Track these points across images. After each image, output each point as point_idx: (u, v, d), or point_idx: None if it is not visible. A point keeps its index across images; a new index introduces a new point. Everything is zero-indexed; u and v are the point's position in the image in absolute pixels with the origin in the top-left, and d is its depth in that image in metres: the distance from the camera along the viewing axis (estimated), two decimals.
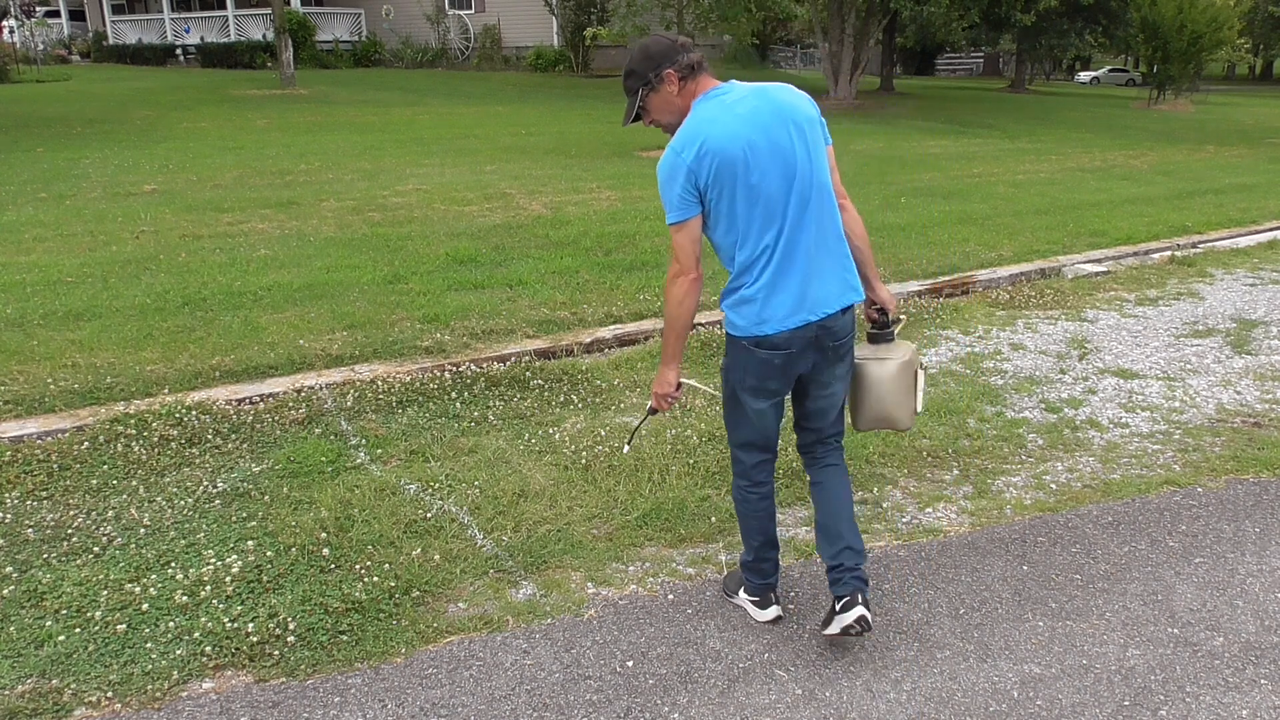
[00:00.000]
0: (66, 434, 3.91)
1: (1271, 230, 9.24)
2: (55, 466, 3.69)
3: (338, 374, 4.62)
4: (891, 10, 24.24)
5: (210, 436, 3.97)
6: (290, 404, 4.29)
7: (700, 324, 5.44)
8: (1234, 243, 8.69)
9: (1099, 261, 7.63)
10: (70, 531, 3.27)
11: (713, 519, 3.45)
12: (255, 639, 2.72)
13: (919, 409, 2.87)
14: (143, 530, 3.29)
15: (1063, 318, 6.19)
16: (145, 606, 2.85)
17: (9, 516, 3.36)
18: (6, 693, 2.51)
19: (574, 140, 14.13)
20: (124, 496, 3.52)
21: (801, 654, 2.76)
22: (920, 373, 2.85)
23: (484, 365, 4.80)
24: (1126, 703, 2.56)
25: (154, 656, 2.66)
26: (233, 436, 4.00)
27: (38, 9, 31.56)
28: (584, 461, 3.83)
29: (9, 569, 3.04)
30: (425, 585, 3.02)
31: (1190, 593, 3.08)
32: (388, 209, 8.61)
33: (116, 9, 33.90)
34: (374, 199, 9.09)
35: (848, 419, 2.89)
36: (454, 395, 4.47)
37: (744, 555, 2.91)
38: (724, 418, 2.82)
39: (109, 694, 2.53)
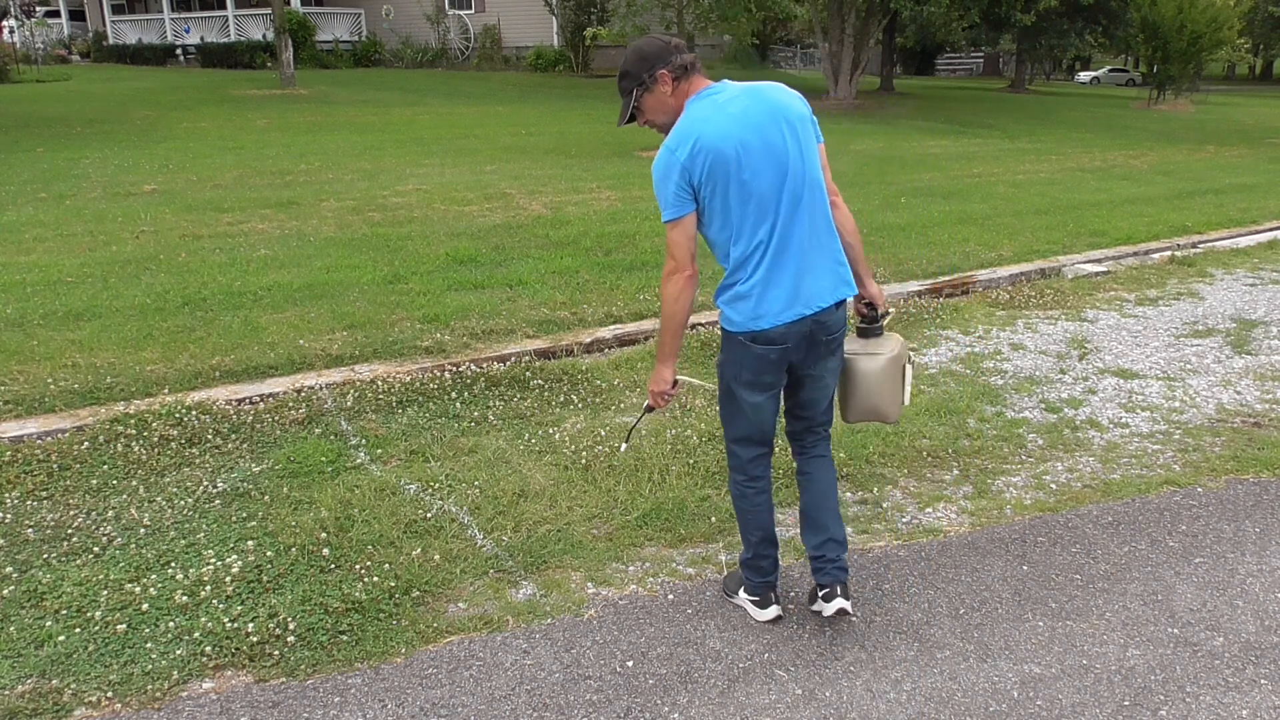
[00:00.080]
0: (66, 434, 3.91)
1: (1271, 230, 9.24)
2: (55, 466, 3.69)
3: (338, 374, 4.62)
4: (891, 10, 24.24)
5: (210, 436, 3.97)
6: (290, 404, 4.29)
7: (700, 324, 5.44)
8: (1234, 243, 8.69)
9: (1099, 261, 7.63)
10: (70, 531, 3.27)
11: (713, 519, 3.45)
12: (255, 639, 2.72)
13: (906, 402, 2.91)
14: (143, 530, 3.29)
15: (1063, 318, 6.19)
16: (145, 606, 2.85)
17: (9, 516, 3.36)
18: (6, 693, 2.51)
19: (574, 140, 14.13)
20: (124, 496, 3.53)
21: (801, 654, 2.76)
22: (908, 366, 2.89)
23: (484, 365, 4.80)
24: (1126, 703, 2.56)
25: (154, 656, 2.66)
26: (233, 436, 4.00)
27: (38, 9, 31.55)
28: (584, 461, 3.83)
29: (9, 569, 3.04)
30: (425, 585, 3.02)
31: (1190, 593, 3.08)
32: (388, 209, 8.61)
33: (116, 9, 33.90)
34: (374, 199, 9.09)
35: (836, 410, 2.93)
36: (454, 395, 4.47)
37: (743, 553, 2.92)
38: (720, 413, 2.84)
39: (109, 694, 2.53)
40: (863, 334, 2.87)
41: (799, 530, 2.95)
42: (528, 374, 4.71)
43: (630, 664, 2.71)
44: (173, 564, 3.08)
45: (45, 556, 3.13)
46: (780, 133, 2.50)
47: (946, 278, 6.84)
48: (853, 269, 2.73)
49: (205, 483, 3.63)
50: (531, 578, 3.11)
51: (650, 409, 2.89)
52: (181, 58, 30.95)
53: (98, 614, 2.81)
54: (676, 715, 2.50)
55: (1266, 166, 14.34)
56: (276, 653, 2.69)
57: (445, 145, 13.32)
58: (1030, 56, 37.07)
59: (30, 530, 3.27)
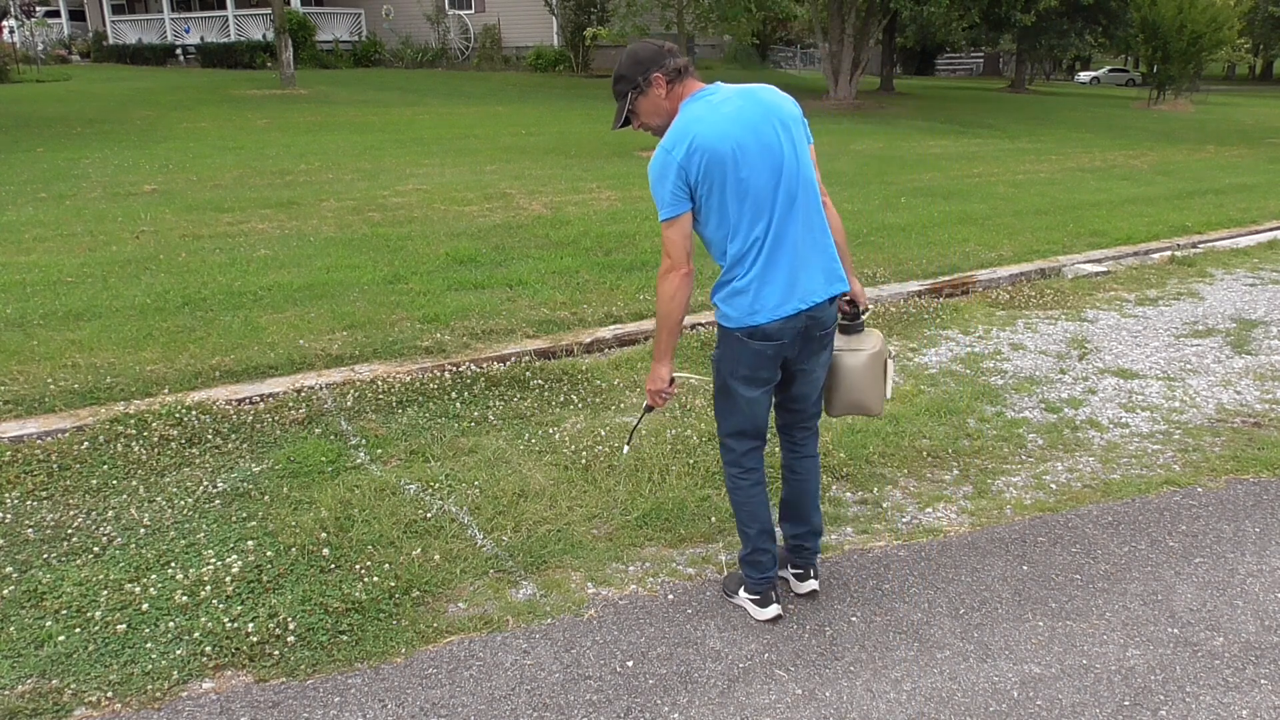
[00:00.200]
0: (66, 434, 3.91)
1: (1271, 230, 9.24)
2: (55, 466, 3.69)
3: (338, 374, 4.62)
4: (891, 10, 24.23)
5: (210, 436, 3.97)
6: (290, 404, 4.29)
7: (700, 323, 5.44)
8: (1234, 243, 8.69)
9: (1099, 261, 7.63)
10: (70, 531, 3.27)
11: (713, 519, 3.45)
12: (255, 639, 2.72)
13: (888, 395, 2.99)
14: (143, 530, 3.29)
15: (1063, 318, 6.19)
16: (145, 606, 2.85)
17: (9, 516, 3.36)
18: (6, 693, 2.51)
19: (574, 140, 14.13)
20: (124, 496, 3.53)
21: (801, 654, 2.76)
22: (889, 361, 2.96)
23: (484, 365, 4.80)
24: (1126, 703, 2.56)
25: (154, 656, 2.66)
26: (233, 436, 4.00)
27: (38, 9, 31.56)
28: (584, 461, 3.83)
29: (9, 569, 3.04)
30: (425, 585, 3.02)
31: (1190, 593, 3.08)
32: (388, 209, 8.61)
33: (116, 9, 33.90)
34: (374, 199, 9.09)
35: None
36: (454, 395, 4.47)
37: (742, 551, 2.93)
38: (715, 409, 2.88)
39: (109, 694, 2.53)
40: (845, 330, 2.92)
41: (778, 518, 3.04)
42: (528, 374, 4.71)
43: (630, 664, 2.71)
44: (173, 564, 3.08)
45: (45, 556, 3.13)
46: (774, 132, 2.55)
47: (946, 278, 6.84)
48: None
49: (205, 483, 3.63)
50: (531, 578, 3.11)
51: (649, 409, 2.91)
52: (181, 58, 30.96)
53: (98, 614, 2.81)
54: (676, 715, 2.50)
55: (1266, 166, 14.34)
56: (276, 653, 2.69)
57: (445, 145, 13.32)
58: (1030, 56, 37.08)
59: (30, 530, 3.27)
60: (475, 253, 6.96)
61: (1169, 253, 8.07)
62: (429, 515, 3.42)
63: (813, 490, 2.97)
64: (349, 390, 4.43)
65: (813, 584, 3.00)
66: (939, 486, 3.80)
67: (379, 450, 3.94)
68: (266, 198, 9.04)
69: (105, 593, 2.91)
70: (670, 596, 3.04)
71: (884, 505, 3.65)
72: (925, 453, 4.05)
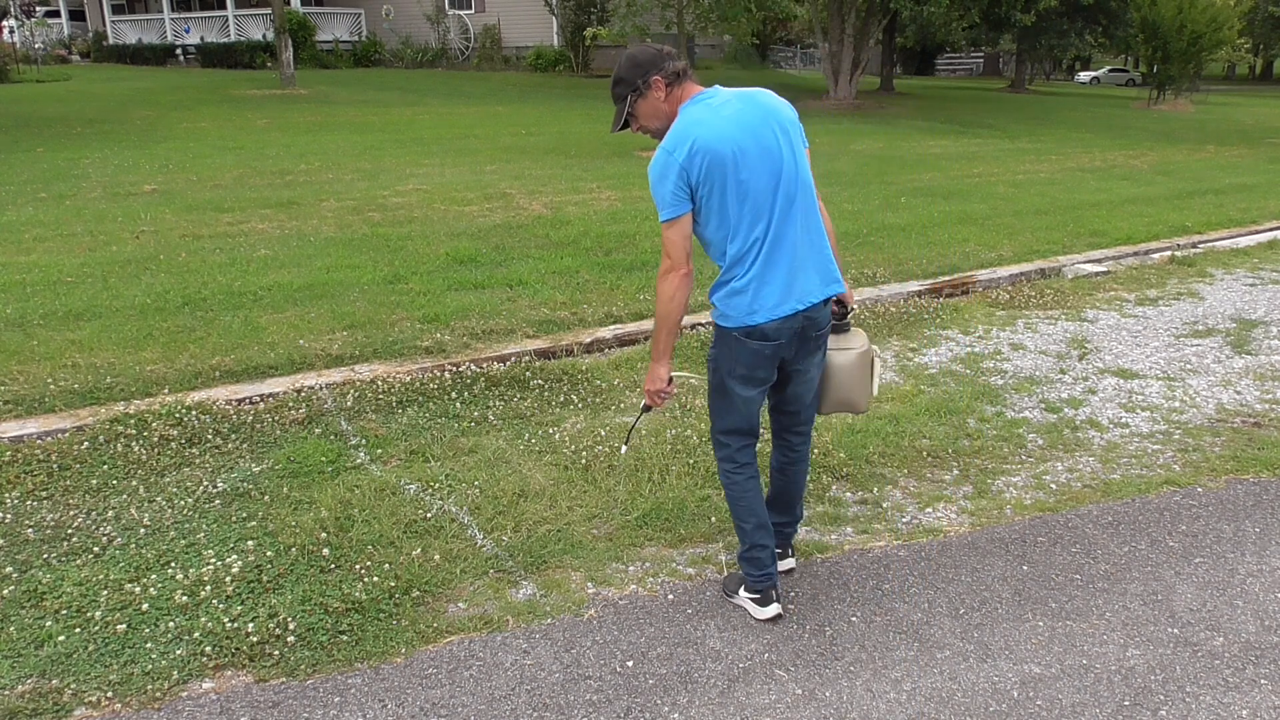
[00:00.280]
0: (66, 434, 3.91)
1: (1271, 230, 9.24)
2: (55, 466, 3.69)
3: (338, 374, 4.62)
4: (891, 10, 24.22)
5: (210, 436, 3.97)
6: (290, 404, 4.29)
7: (700, 324, 5.44)
8: (1234, 243, 8.69)
9: (1099, 261, 7.63)
10: (70, 531, 3.27)
11: (713, 519, 3.45)
12: (255, 639, 2.72)
13: (874, 393, 3.05)
14: (143, 530, 3.29)
15: (1063, 318, 6.19)
16: (145, 606, 2.85)
17: (9, 516, 3.36)
18: (6, 693, 2.51)
19: (574, 140, 14.13)
20: (124, 496, 3.53)
21: (801, 654, 2.76)
22: (875, 360, 3.01)
23: (484, 365, 4.80)
24: (1126, 703, 2.56)
25: (154, 656, 2.66)
26: (233, 436, 4.00)
27: (38, 9, 31.55)
28: (584, 461, 3.83)
29: (9, 569, 3.04)
30: (425, 585, 3.02)
31: (1190, 593, 3.08)
32: (388, 209, 8.61)
33: (116, 9, 33.90)
34: (374, 199, 9.09)
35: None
36: (454, 395, 4.47)
37: (740, 549, 2.94)
38: (709, 406, 2.91)
39: (109, 694, 2.53)
40: (833, 330, 2.94)
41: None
42: (528, 374, 4.71)
43: (630, 664, 2.71)
44: (173, 564, 3.08)
45: (45, 556, 3.13)
46: (774, 135, 2.59)
47: (946, 278, 6.84)
48: None
49: (205, 483, 3.63)
50: (531, 578, 3.11)
51: (647, 409, 2.92)
52: (181, 58, 30.95)
53: (98, 614, 2.81)
54: (676, 715, 2.50)
55: (1266, 166, 14.34)
56: (276, 653, 2.69)
57: (445, 145, 13.32)
58: (1030, 56, 37.07)
59: (30, 530, 3.27)
60: (475, 253, 6.96)
61: (1169, 253, 8.07)
62: (429, 515, 3.42)
63: (800, 488, 3.07)
64: (349, 390, 4.43)
65: (790, 562, 3.15)
66: (939, 486, 3.80)
67: (379, 450, 3.94)
68: (266, 198, 9.04)
69: (105, 593, 2.91)
70: (670, 596, 3.04)
71: (884, 505, 3.65)
72: (925, 453, 4.05)
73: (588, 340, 5.25)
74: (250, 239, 7.32)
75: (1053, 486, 3.82)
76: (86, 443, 3.83)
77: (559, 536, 3.33)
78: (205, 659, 2.65)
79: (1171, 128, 21.42)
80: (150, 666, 2.62)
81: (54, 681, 2.56)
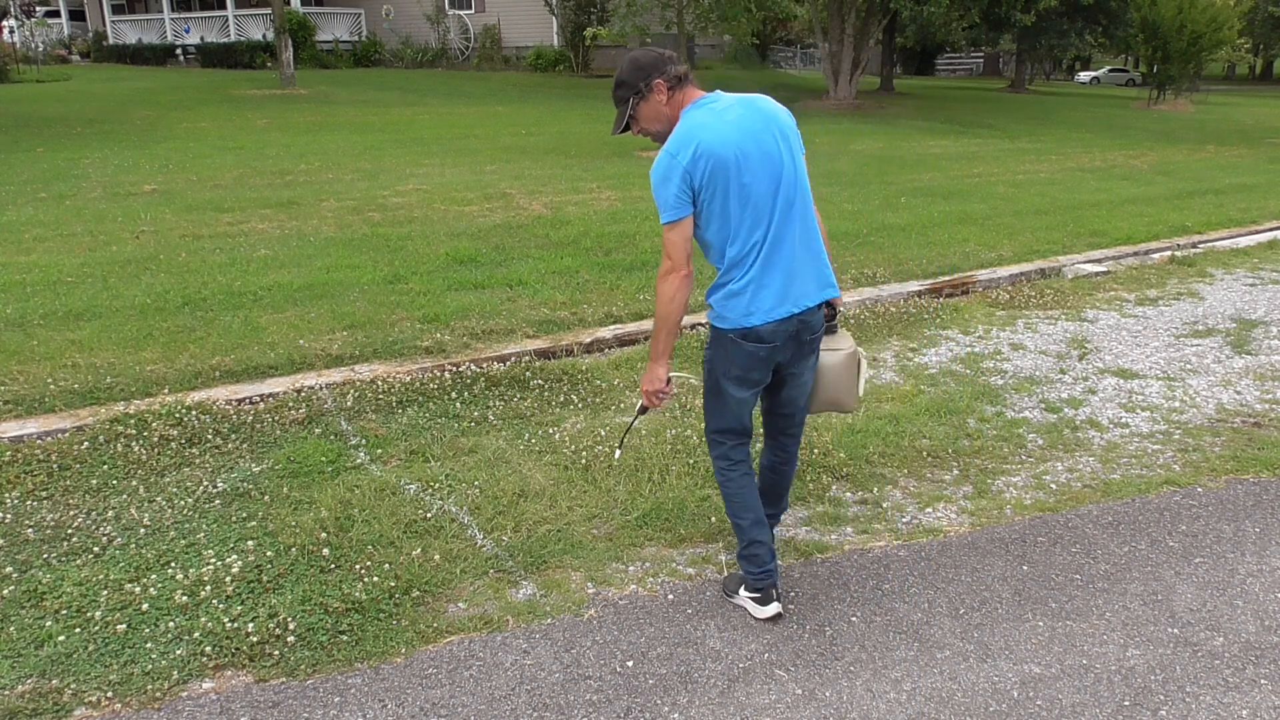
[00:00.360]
0: (66, 434, 3.91)
1: (1271, 230, 9.24)
2: (55, 466, 3.69)
3: (338, 374, 4.62)
4: (891, 10, 24.22)
5: (210, 436, 3.97)
6: (290, 404, 4.29)
7: (700, 324, 5.44)
8: (1234, 243, 8.69)
9: (1099, 261, 7.63)
10: (70, 531, 3.27)
11: (713, 519, 3.45)
12: (255, 639, 2.72)
13: (861, 393, 3.09)
14: (143, 530, 3.29)
15: (1063, 318, 6.19)
16: (145, 606, 2.85)
17: (9, 516, 3.36)
18: (6, 693, 2.51)
19: (574, 140, 14.13)
20: (124, 496, 3.53)
21: (801, 654, 2.76)
22: (862, 360, 3.05)
23: (484, 365, 4.80)
24: (1126, 703, 2.56)
25: (154, 656, 2.66)
26: (233, 436, 4.00)
27: (38, 9, 31.55)
28: (584, 461, 3.83)
29: (9, 569, 3.04)
30: (425, 585, 3.02)
31: (1190, 593, 3.08)
32: (388, 209, 8.62)
33: (116, 9, 33.89)
34: (374, 199, 9.09)
35: None
36: (454, 395, 4.47)
37: (739, 547, 2.95)
38: (704, 407, 2.94)
39: (109, 694, 2.53)
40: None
41: None
42: (528, 374, 4.71)
43: (630, 664, 2.71)
44: (173, 564, 3.08)
45: (45, 556, 3.13)
46: (775, 140, 2.62)
47: (946, 278, 6.84)
48: None
49: (205, 483, 3.63)
50: (531, 578, 3.11)
51: (644, 410, 2.92)
52: (181, 58, 30.95)
53: (98, 614, 2.81)
54: (676, 715, 2.50)
55: (1266, 166, 14.34)
56: (276, 653, 2.69)
57: (445, 145, 13.32)
58: (1030, 56, 37.06)
59: (30, 530, 3.27)
60: (475, 253, 6.96)
61: (1169, 253, 8.07)
62: (429, 515, 3.42)
63: (789, 482, 3.14)
64: (349, 390, 4.43)
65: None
66: (939, 486, 3.80)
67: (379, 450, 3.94)
68: (266, 198, 9.04)
69: (105, 593, 2.91)
70: (670, 596, 3.04)
71: (884, 505, 3.65)
72: (925, 453, 4.05)
73: (588, 340, 5.25)
74: (250, 239, 7.32)
75: (1053, 486, 3.82)
76: (86, 443, 3.83)
77: (559, 536, 3.33)
78: (205, 659, 2.65)
79: (1171, 128, 21.42)
80: (150, 666, 2.62)
81: (54, 681, 2.56)
